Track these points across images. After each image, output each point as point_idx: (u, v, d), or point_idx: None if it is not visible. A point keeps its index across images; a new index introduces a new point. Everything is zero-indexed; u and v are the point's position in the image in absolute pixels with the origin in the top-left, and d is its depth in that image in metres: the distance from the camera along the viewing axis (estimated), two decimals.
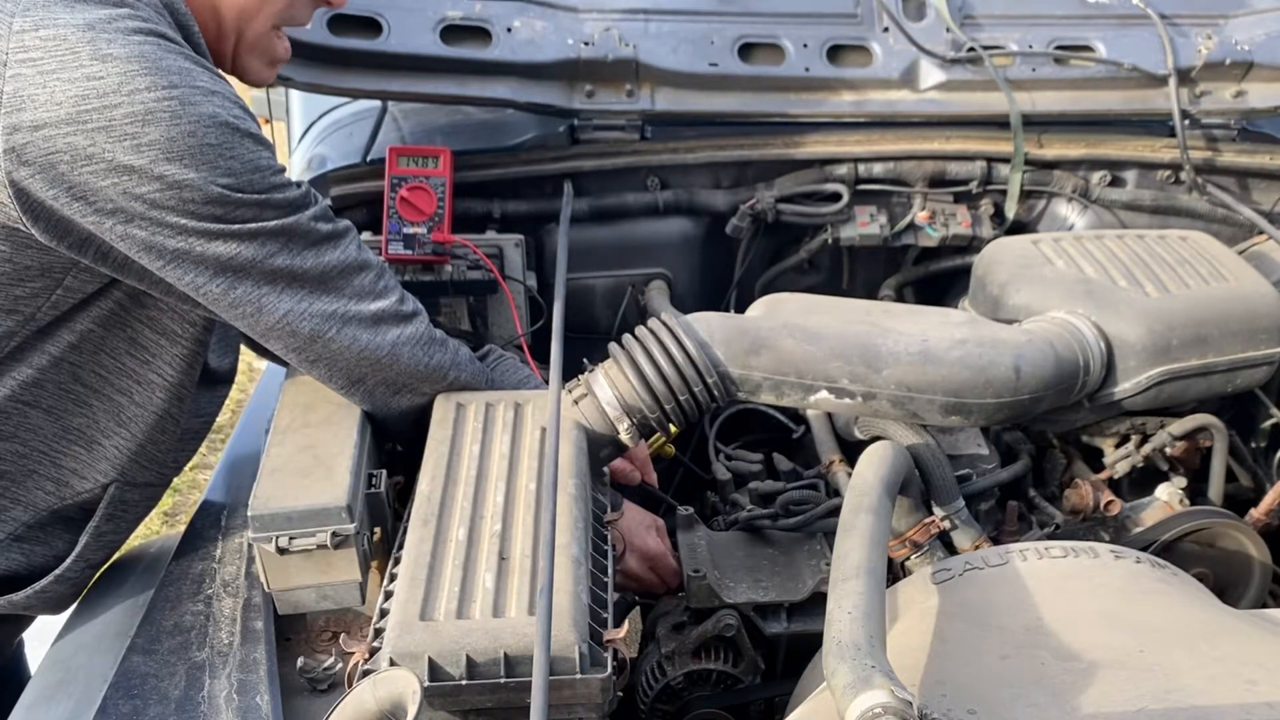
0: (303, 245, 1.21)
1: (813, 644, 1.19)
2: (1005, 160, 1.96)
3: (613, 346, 1.37)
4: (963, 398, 1.34)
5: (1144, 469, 1.63)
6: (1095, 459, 1.69)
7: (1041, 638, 1.01)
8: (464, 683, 0.99)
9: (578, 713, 1.02)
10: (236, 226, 1.15)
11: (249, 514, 1.15)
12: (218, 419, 1.54)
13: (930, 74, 1.92)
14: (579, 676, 1.00)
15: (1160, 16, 1.96)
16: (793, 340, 1.34)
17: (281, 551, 1.16)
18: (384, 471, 1.28)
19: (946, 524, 1.40)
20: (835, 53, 1.91)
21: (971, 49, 1.92)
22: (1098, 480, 1.59)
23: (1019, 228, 2.01)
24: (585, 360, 1.41)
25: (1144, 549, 1.33)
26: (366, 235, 1.80)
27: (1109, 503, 1.54)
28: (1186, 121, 1.94)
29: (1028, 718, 0.90)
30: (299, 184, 1.23)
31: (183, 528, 1.43)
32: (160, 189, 1.10)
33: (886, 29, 1.92)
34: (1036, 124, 1.96)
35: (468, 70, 1.79)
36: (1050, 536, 1.51)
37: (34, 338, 1.24)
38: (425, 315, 1.37)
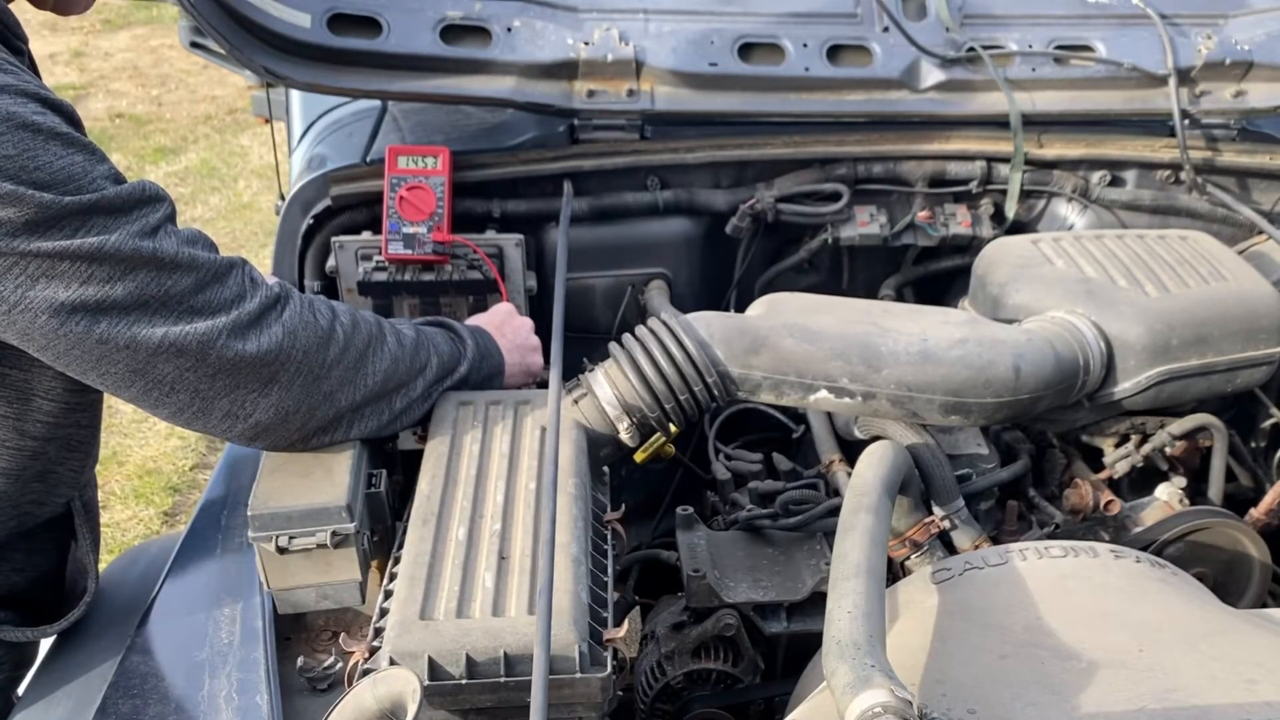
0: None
1: (813, 644, 1.19)
2: (1005, 160, 1.96)
3: (613, 346, 1.37)
4: (962, 397, 1.34)
5: (1144, 469, 1.63)
6: (1095, 459, 1.68)
7: (1041, 637, 1.01)
8: (464, 682, 0.99)
9: (577, 712, 1.03)
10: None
11: (249, 513, 1.15)
12: None
13: (930, 74, 1.92)
14: (579, 676, 1.00)
15: (1160, 16, 1.96)
16: (793, 340, 1.34)
17: (281, 551, 1.16)
18: (384, 471, 1.28)
19: (946, 524, 1.40)
20: (835, 53, 1.91)
21: (971, 49, 1.92)
22: (1098, 480, 1.59)
23: (1019, 228, 2.01)
24: (585, 360, 1.42)
25: (1144, 549, 1.33)
26: (367, 235, 1.80)
27: (1109, 502, 1.54)
28: (1186, 121, 1.94)
29: (1027, 717, 0.90)
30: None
31: (183, 528, 1.44)
32: None
33: (886, 29, 1.92)
34: (1036, 124, 1.96)
35: (468, 70, 1.79)
36: (1050, 536, 1.51)
37: None
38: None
